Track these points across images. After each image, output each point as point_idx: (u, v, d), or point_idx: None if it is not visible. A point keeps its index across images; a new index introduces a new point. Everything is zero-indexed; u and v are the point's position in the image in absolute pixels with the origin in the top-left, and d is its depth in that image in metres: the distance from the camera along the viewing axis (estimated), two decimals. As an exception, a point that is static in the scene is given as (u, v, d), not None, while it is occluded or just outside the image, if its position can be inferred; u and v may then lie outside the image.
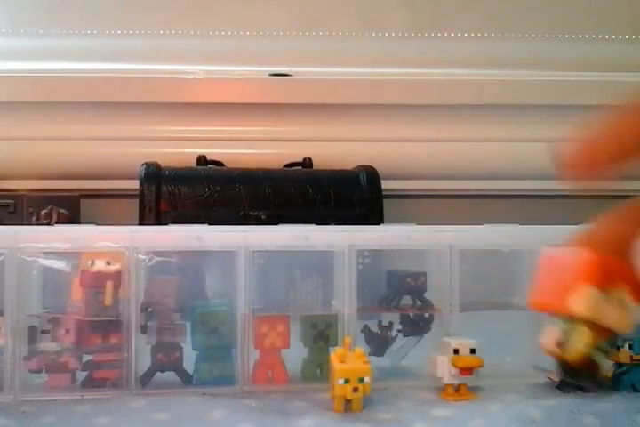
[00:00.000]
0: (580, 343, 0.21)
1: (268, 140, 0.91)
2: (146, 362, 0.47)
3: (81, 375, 0.47)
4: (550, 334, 0.21)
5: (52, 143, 0.88)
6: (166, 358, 0.47)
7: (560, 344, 0.21)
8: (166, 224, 0.66)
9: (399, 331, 0.51)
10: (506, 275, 0.53)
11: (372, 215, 0.80)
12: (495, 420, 0.41)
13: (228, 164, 0.86)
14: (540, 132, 0.89)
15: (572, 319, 0.21)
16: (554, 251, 0.21)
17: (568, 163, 0.22)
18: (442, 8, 0.96)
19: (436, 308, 0.51)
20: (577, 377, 0.21)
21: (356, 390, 0.42)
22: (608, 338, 0.21)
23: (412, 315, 0.52)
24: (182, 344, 0.48)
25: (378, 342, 0.51)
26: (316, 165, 0.87)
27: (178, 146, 0.89)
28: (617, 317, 0.20)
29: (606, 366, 0.21)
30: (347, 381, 0.42)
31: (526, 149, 0.89)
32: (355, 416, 0.42)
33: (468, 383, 0.47)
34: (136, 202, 0.78)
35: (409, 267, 0.52)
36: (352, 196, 0.81)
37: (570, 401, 0.45)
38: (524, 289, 0.53)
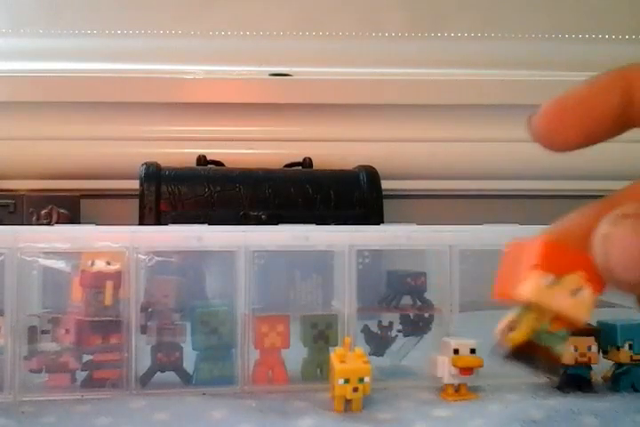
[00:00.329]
0: (523, 329, 0.21)
1: (267, 140, 0.91)
2: (146, 362, 0.47)
3: (81, 375, 0.47)
4: (504, 320, 0.21)
5: (51, 143, 0.88)
6: (166, 358, 0.47)
7: (508, 329, 0.21)
8: (166, 224, 0.66)
9: (399, 331, 0.51)
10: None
11: (372, 215, 0.80)
12: (495, 420, 0.41)
13: (228, 164, 0.86)
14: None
15: (525, 306, 0.21)
16: (516, 242, 0.22)
17: (537, 126, 0.22)
18: (442, 8, 0.96)
19: (436, 308, 0.51)
20: (519, 362, 0.21)
21: (356, 390, 0.42)
22: (566, 326, 0.21)
23: (412, 315, 0.52)
24: (182, 344, 0.48)
25: (378, 342, 0.51)
26: (316, 165, 0.87)
27: (178, 146, 0.89)
28: (571, 304, 0.20)
29: (562, 354, 0.21)
30: (347, 381, 0.42)
31: (526, 149, 0.88)
32: (355, 416, 0.42)
33: (467, 383, 0.47)
34: (136, 202, 0.78)
35: (409, 267, 0.52)
36: (352, 196, 0.81)
37: (570, 401, 0.45)
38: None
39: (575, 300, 0.20)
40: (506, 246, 0.22)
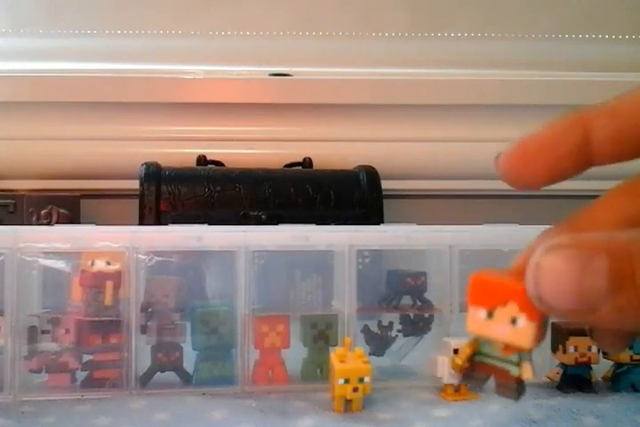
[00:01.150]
0: (460, 355, 0.23)
1: (267, 140, 0.91)
2: (146, 362, 0.47)
3: (81, 375, 0.47)
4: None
5: (51, 143, 0.88)
6: (166, 358, 0.47)
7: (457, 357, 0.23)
8: (166, 224, 0.66)
9: (399, 331, 0.51)
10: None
11: (372, 215, 0.80)
12: (495, 420, 0.41)
13: (228, 164, 0.86)
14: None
15: (474, 337, 0.23)
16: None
17: (503, 167, 0.23)
18: (442, 8, 0.96)
19: (436, 308, 0.51)
20: (476, 384, 0.23)
21: (355, 390, 0.42)
22: (517, 351, 0.22)
23: (412, 315, 0.52)
24: (182, 344, 0.48)
25: (378, 342, 0.51)
26: (316, 165, 0.87)
27: (178, 146, 0.89)
28: (510, 333, 0.21)
29: (519, 375, 0.23)
30: (347, 381, 0.42)
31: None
32: (355, 416, 0.42)
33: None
34: (136, 202, 0.78)
35: (409, 267, 0.52)
36: (352, 196, 0.81)
37: (570, 401, 0.45)
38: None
39: (514, 329, 0.21)
40: None
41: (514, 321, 0.21)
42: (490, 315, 0.21)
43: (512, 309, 0.21)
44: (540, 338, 0.21)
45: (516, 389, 0.23)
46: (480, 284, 0.22)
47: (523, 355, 0.22)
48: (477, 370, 0.23)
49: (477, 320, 0.21)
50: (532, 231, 0.22)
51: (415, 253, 0.52)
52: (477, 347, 0.23)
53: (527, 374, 0.22)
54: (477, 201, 0.94)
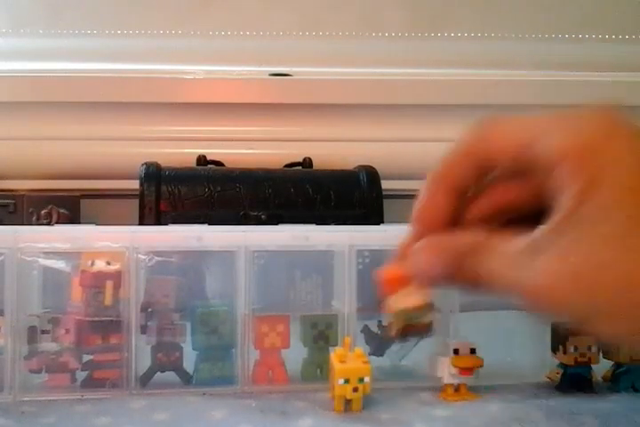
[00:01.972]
0: (398, 323, 0.33)
1: (267, 140, 0.91)
2: (146, 362, 0.47)
3: (81, 375, 0.47)
4: (388, 320, 0.33)
5: (51, 143, 0.87)
6: (166, 358, 0.47)
7: (391, 324, 0.33)
8: (166, 224, 0.66)
9: (399, 331, 0.51)
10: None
11: (372, 215, 0.80)
12: (495, 420, 0.42)
13: (228, 164, 0.86)
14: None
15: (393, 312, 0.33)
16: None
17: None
18: (442, 8, 0.96)
19: (435, 308, 0.51)
20: (404, 338, 0.34)
21: (355, 390, 0.42)
22: (425, 307, 0.33)
23: (412, 315, 0.51)
24: (182, 344, 0.48)
25: (378, 342, 0.51)
26: (316, 165, 0.87)
27: (178, 146, 0.89)
28: (414, 299, 0.33)
29: (429, 323, 0.34)
30: (347, 381, 0.42)
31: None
32: (355, 416, 0.42)
33: (467, 383, 0.47)
34: (136, 202, 0.78)
35: (409, 267, 0.52)
36: (352, 196, 0.81)
37: (570, 401, 0.45)
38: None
39: (414, 296, 0.32)
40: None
41: (411, 293, 0.32)
42: (398, 295, 0.32)
43: (408, 287, 0.32)
44: (427, 298, 0.33)
45: (430, 331, 0.33)
46: (386, 277, 0.33)
47: (425, 311, 0.33)
48: (406, 330, 0.33)
49: (391, 301, 0.32)
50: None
51: (415, 253, 0.52)
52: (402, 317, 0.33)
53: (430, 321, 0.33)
54: (477, 201, 0.94)
